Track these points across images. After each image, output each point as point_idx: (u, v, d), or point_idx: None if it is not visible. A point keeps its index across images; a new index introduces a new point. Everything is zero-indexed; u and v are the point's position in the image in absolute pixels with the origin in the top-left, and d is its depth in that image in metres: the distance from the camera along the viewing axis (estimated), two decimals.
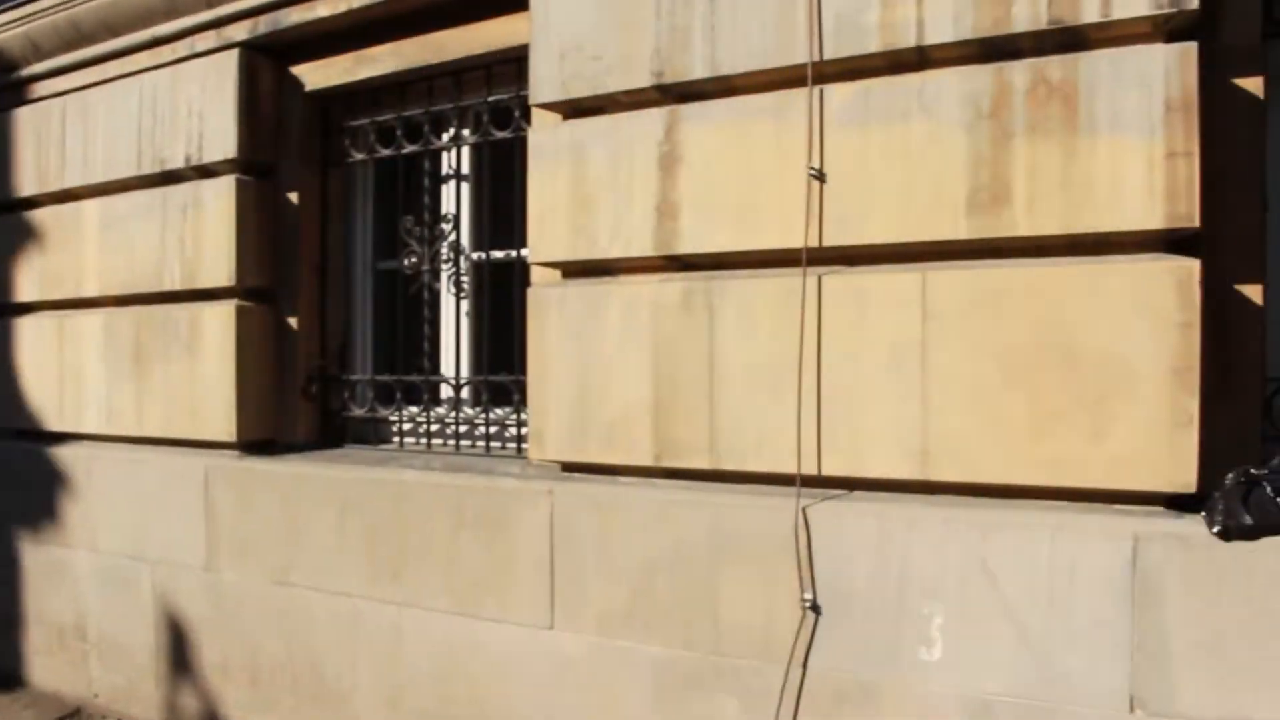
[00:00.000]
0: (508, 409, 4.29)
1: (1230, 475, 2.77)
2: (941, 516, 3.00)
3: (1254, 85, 2.95)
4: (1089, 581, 2.82)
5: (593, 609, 3.55)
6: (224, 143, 4.58)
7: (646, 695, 3.45)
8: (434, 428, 4.54)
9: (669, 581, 3.39)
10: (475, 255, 4.49)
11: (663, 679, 3.42)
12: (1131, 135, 2.83)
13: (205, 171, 4.68)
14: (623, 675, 3.50)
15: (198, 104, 4.66)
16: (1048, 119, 2.93)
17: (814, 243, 3.18)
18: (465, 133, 4.46)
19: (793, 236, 3.20)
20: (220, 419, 4.59)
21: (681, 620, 3.38)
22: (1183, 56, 2.80)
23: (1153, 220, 2.81)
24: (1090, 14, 2.88)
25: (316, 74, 4.65)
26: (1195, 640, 2.71)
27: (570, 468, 3.75)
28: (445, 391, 4.53)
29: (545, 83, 3.69)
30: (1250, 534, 2.66)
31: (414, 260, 4.54)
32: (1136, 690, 2.77)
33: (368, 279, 4.85)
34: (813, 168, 3.17)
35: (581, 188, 3.60)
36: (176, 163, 4.73)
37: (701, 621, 3.34)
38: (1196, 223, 2.78)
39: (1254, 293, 2.96)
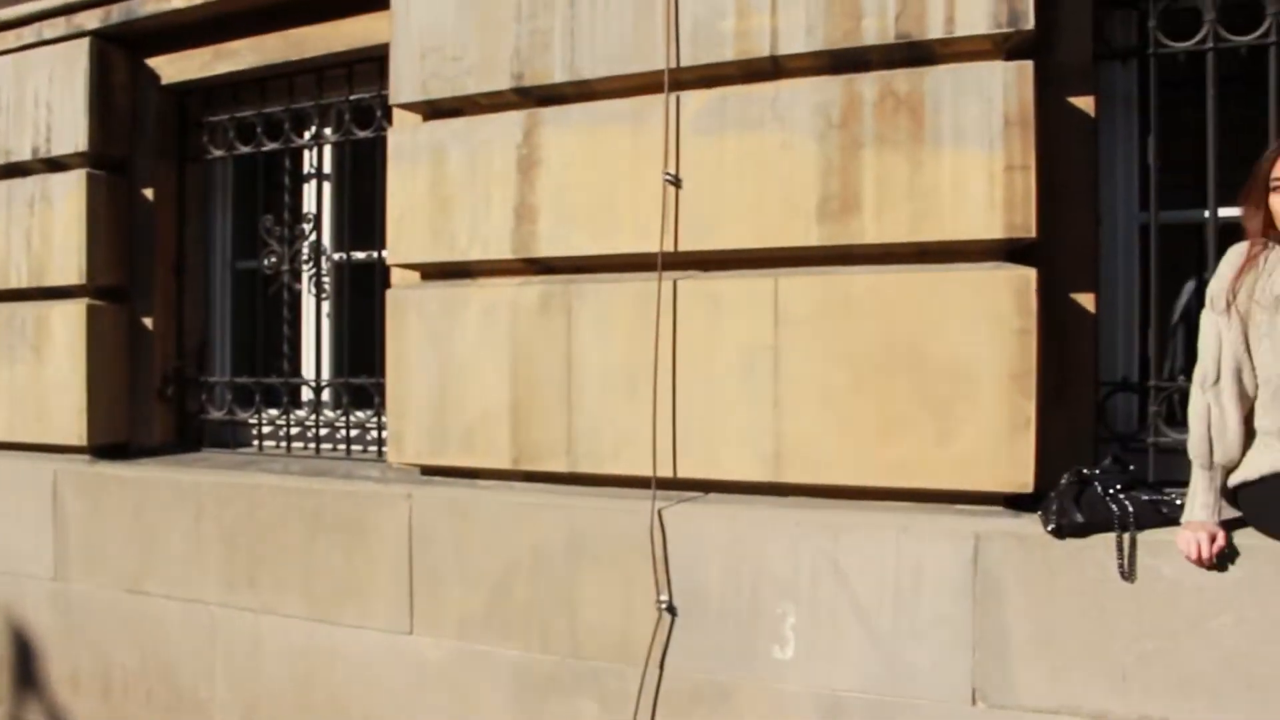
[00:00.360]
0: (369, 412, 4.24)
1: (1065, 475, 2.88)
2: (794, 518, 3.06)
3: (1086, 104, 3.08)
4: (934, 580, 2.90)
5: (452, 613, 3.53)
6: (74, 135, 4.43)
7: (506, 699, 3.45)
8: (294, 431, 4.46)
9: (528, 585, 3.39)
10: (336, 256, 4.42)
11: (522, 682, 3.42)
12: (973, 148, 2.93)
13: (54, 165, 4.51)
14: (482, 679, 3.49)
15: (45, 94, 4.50)
16: (895, 130, 3.00)
17: (670, 248, 3.22)
18: (327, 131, 4.39)
19: (649, 241, 3.23)
20: (69, 422, 4.44)
21: (540, 623, 3.38)
22: (1020, 74, 2.90)
23: (993, 230, 2.91)
24: (935, 30, 2.97)
25: (173, 67, 4.52)
26: (1032, 634, 2.81)
27: (430, 471, 3.72)
28: (306, 394, 4.45)
29: (405, 83, 3.66)
30: (1081, 531, 2.76)
31: (274, 260, 4.45)
32: (978, 683, 2.87)
33: (227, 278, 4.74)
34: (669, 173, 3.20)
35: (441, 189, 3.58)
36: (23, 155, 4.56)
37: (560, 624, 3.35)
38: (1033, 233, 2.89)
39: (1088, 301, 3.08)
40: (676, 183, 3.20)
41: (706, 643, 3.16)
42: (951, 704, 2.89)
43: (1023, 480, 2.90)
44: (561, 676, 3.35)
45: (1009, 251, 2.96)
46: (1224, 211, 2.97)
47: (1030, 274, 2.88)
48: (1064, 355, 3.08)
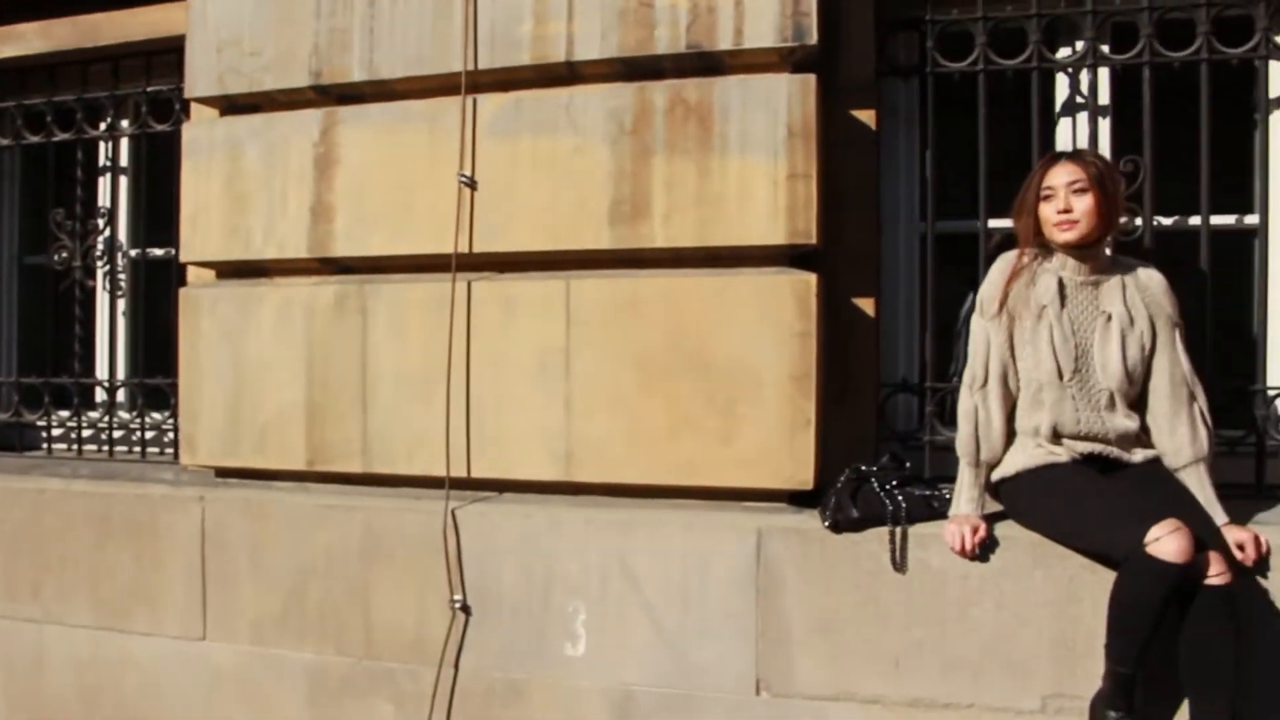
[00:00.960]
0: (165, 413, 4.11)
1: (844, 473, 3.00)
2: (584, 517, 3.10)
3: (868, 117, 3.22)
4: (719, 575, 2.98)
5: (246, 618, 3.46)
6: None
7: (301, 703, 3.40)
8: (87, 433, 4.30)
9: (323, 587, 3.35)
10: (133, 252, 4.28)
11: (317, 686, 3.37)
12: (758, 156, 3.03)
13: None
14: (277, 684, 3.43)
15: None
16: (685, 137, 3.08)
17: (465, 249, 3.23)
18: (124, 123, 4.25)
19: (444, 242, 3.23)
20: None
21: (335, 626, 3.34)
22: (804, 87, 3.02)
23: (776, 236, 3.01)
24: (725, 41, 3.06)
25: None
26: (811, 625, 2.92)
27: (224, 473, 3.64)
28: (100, 395, 4.29)
29: (201, 76, 3.58)
30: (857, 526, 2.88)
31: (65, 255, 4.28)
32: (762, 674, 2.96)
33: (13, 274, 4.52)
34: (464, 175, 3.21)
35: (236, 186, 3.51)
36: None
37: (355, 626, 3.32)
38: (815, 240, 3.00)
39: (869, 306, 3.22)
40: (472, 184, 3.21)
41: (500, 641, 3.17)
42: (737, 695, 2.98)
43: (804, 478, 3.01)
44: (357, 678, 3.32)
45: (792, 257, 3.07)
46: (995, 223, 3.12)
47: (811, 279, 2.99)
48: (846, 357, 3.21)
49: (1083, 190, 2.73)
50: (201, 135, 3.59)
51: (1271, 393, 3.18)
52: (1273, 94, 3.24)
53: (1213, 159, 3.18)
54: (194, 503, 3.52)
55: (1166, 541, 2.39)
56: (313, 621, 3.36)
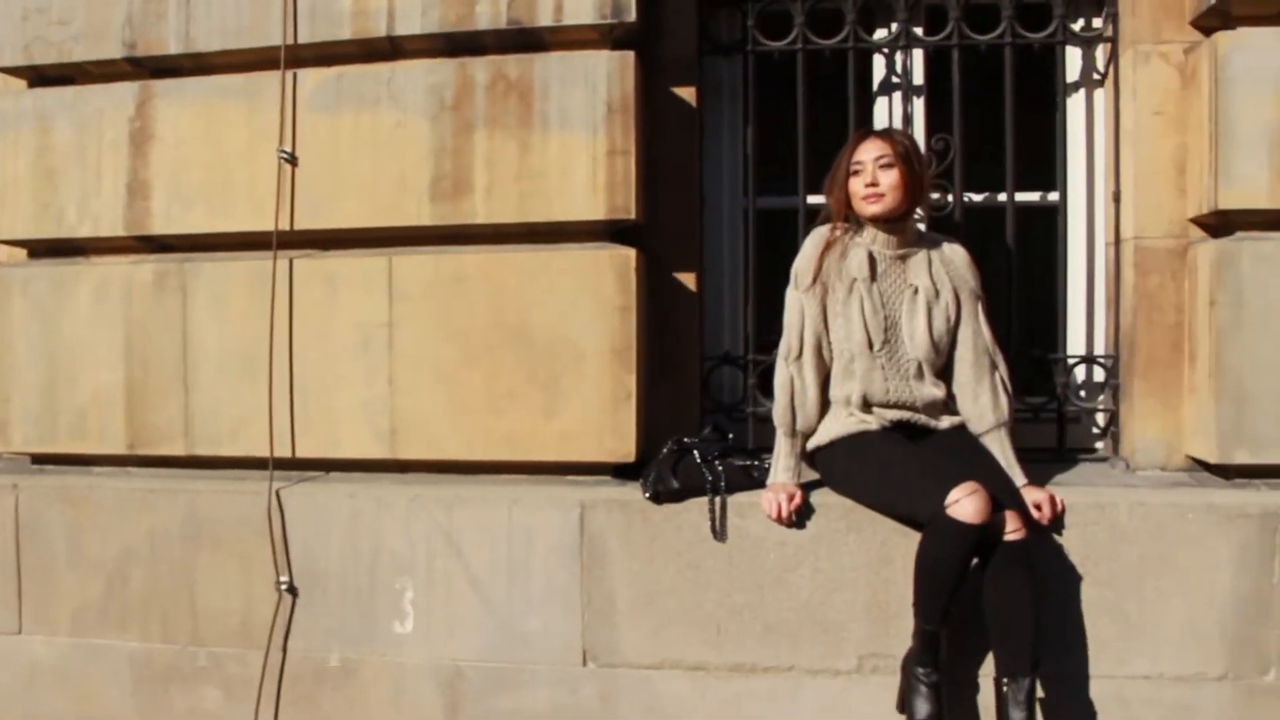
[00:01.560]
0: None
1: (667, 445, 3.05)
2: (409, 494, 3.09)
3: (690, 94, 3.28)
4: (544, 549, 3.01)
5: (66, 608, 3.36)
6: None
7: (126, 693, 3.31)
8: None
9: (146, 573, 3.27)
10: None
11: (142, 674, 3.29)
12: (579, 132, 3.05)
13: None
14: (100, 675, 3.33)
15: None
16: (506, 113, 3.09)
17: (286, 226, 3.19)
18: None
19: (265, 219, 3.19)
20: None
21: (159, 612, 3.27)
22: (623, 64, 3.05)
23: (596, 211, 3.04)
24: (545, 18, 3.07)
25: None
26: (636, 595, 2.97)
27: (40, 459, 3.53)
28: None
29: (6, 45, 3.43)
30: (678, 496, 2.94)
31: None
32: (588, 645, 3.00)
33: None
34: (284, 150, 3.16)
35: (47, 161, 3.39)
36: None
37: (180, 612, 3.25)
38: (634, 215, 3.04)
39: (691, 280, 3.28)
40: (293, 160, 3.17)
41: (328, 622, 3.15)
42: (564, 667, 3.01)
43: (626, 450, 3.06)
44: (182, 665, 3.25)
45: (613, 232, 3.11)
46: (815, 199, 3.20)
47: (631, 254, 3.04)
48: (669, 331, 3.26)
49: (889, 165, 2.82)
50: (8, 107, 3.45)
51: (1071, 361, 3.34)
52: (1070, 78, 3.38)
53: (1019, 139, 3.32)
54: (7, 492, 3.39)
55: (965, 504, 2.49)
56: (136, 609, 3.28)
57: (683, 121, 3.26)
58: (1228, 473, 3.02)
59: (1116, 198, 3.26)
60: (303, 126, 3.19)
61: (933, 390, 2.88)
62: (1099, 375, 3.36)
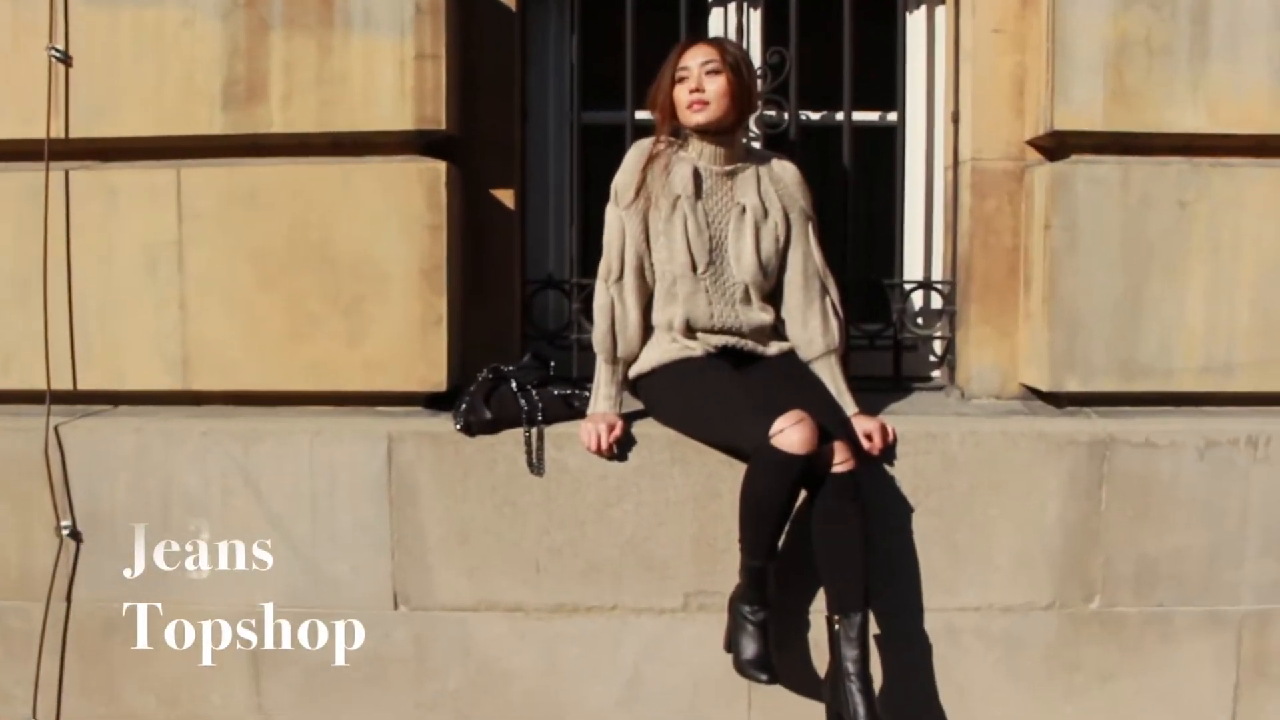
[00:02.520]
0: None
1: (482, 373, 2.86)
2: (201, 429, 2.84)
3: None
4: (350, 485, 2.80)
5: None
6: None
7: None
8: None
9: None
10: None
11: None
12: (385, 34, 2.81)
13: None
14: None
15: None
16: (305, 13, 2.82)
17: (60, 134, 2.87)
18: None
19: (36, 126, 2.86)
20: None
21: None
22: None
23: (403, 121, 2.81)
24: None
25: None
26: (449, 533, 2.78)
27: None
28: None
29: None
30: (491, 428, 2.75)
31: None
32: (399, 587, 2.80)
33: None
34: (55, 48, 2.84)
35: None
36: None
37: None
38: (445, 125, 2.82)
39: (509, 198, 3.07)
40: (65, 59, 2.85)
41: (117, 568, 2.88)
42: (374, 610, 2.82)
43: (437, 379, 2.86)
44: None
45: (425, 145, 2.88)
46: (645, 115, 3.01)
47: (441, 167, 2.82)
48: (487, 252, 3.06)
49: (716, 72, 2.65)
50: None
51: (908, 287, 3.23)
52: None
53: (857, 55, 3.18)
54: None
55: (789, 433, 2.35)
56: None
57: (502, 26, 3.04)
58: (1059, 401, 2.96)
59: (955, 118, 3.16)
60: (77, 22, 2.86)
61: (760, 315, 2.74)
62: (936, 302, 3.27)
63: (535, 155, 3.22)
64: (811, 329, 2.74)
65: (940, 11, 3.27)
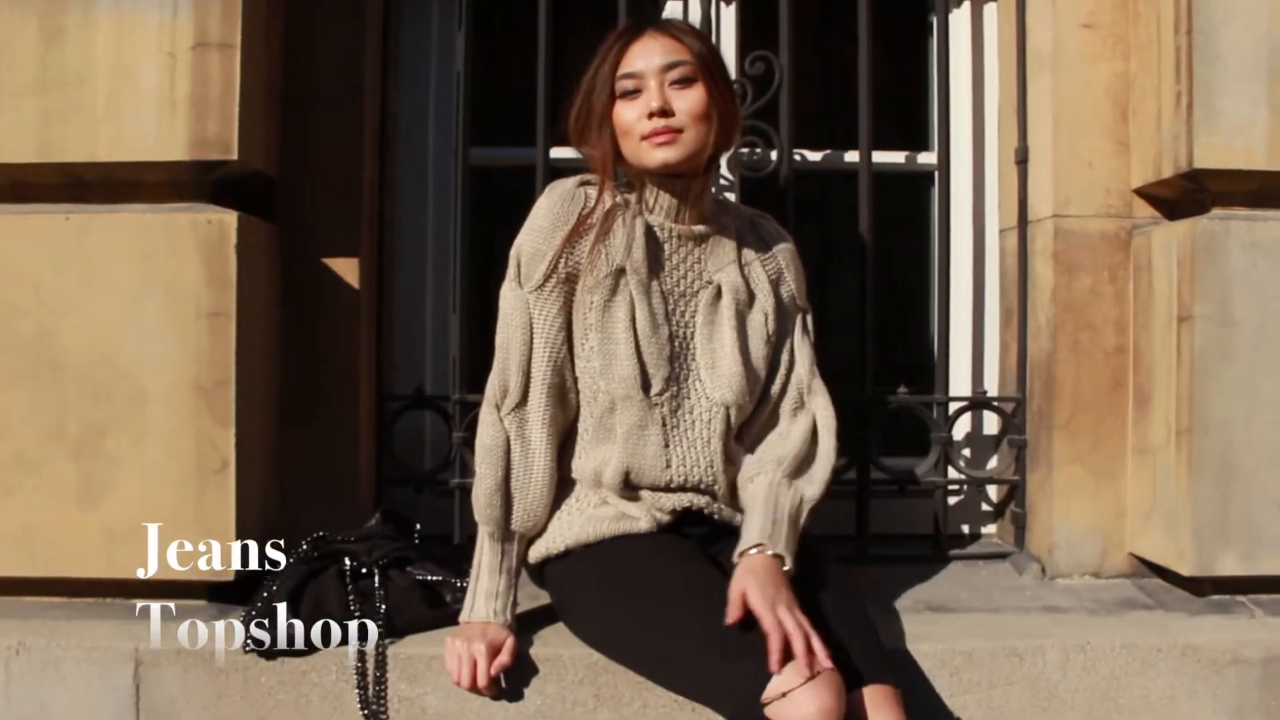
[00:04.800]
0: None
1: (299, 547, 1.81)
2: None
3: None
4: None
5: None
6: None
7: None
8: None
9: None
10: None
11: None
12: (145, 11, 1.78)
13: None
14: None
15: None
16: None
17: None
18: None
19: None
20: None
21: None
22: None
23: (172, 147, 1.79)
24: None
25: None
26: None
27: None
28: None
29: None
30: (305, 647, 1.66)
31: None
32: None
33: None
34: None
35: None
36: None
37: None
38: (236, 153, 1.77)
39: (352, 270, 2.02)
40: None
41: None
42: None
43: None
44: None
45: (212, 184, 1.82)
46: (562, 152, 1.98)
47: (231, 221, 1.76)
48: (319, 353, 1.99)
49: (687, 80, 1.62)
50: None
51: (954, 406, 2.20)
52: None
53: (878, 72, 2.18)
54: None
55: (801, 701, 1.30)
56: None
57: (352, 9, 1.99)
58: (1203, 587, 1.91)
59: (1021, 158, 2.14)
60: None
61: (743, 459, 1.69)
62: (991, 424, 2.23)
63: (404, 206, 2.18)
64: (775, 453, 1.70)
65: (990, 10, 2.29)
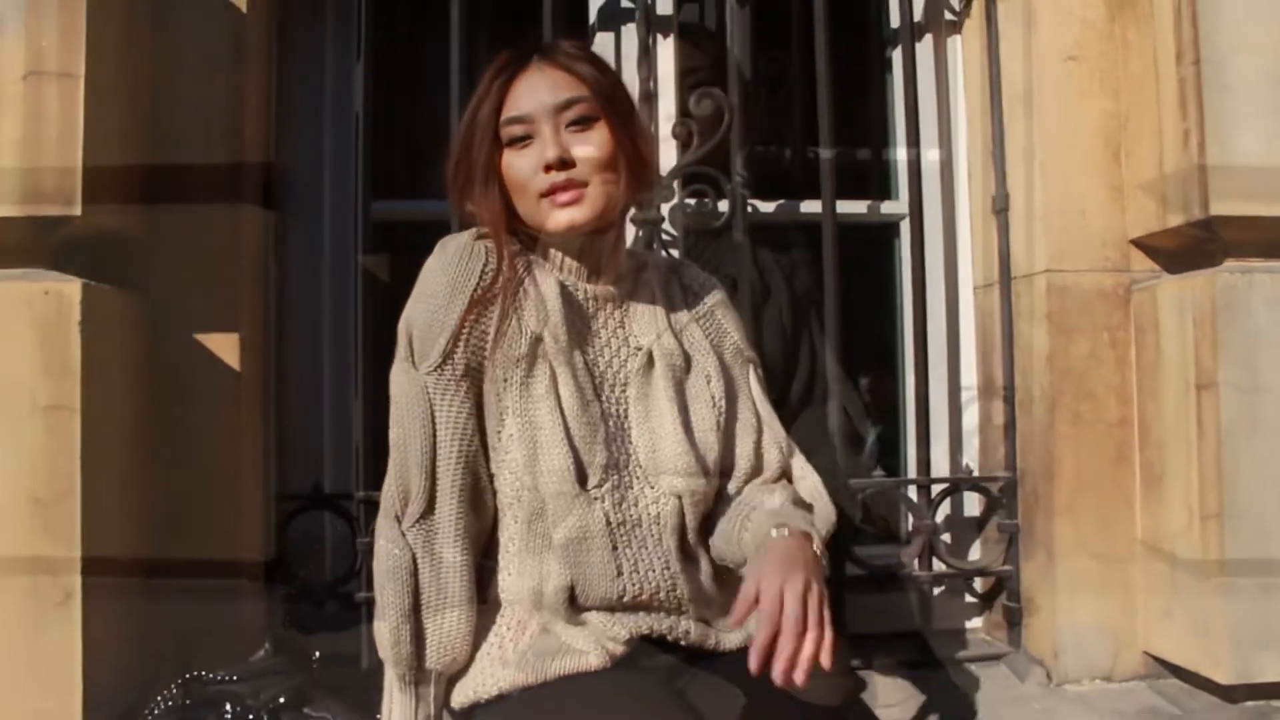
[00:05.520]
0: None
1: (164, 693, 1.42)
2: None
3: None
4: None
5: None
6: None
7: None
8: None
9: None
10: None
11: None
12: None
13: None
14: None
15: None
16: None
17: None
18: None
19: None
20: None
21: None
22: None
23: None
24: None
25: None
26: None
27: None
28: None
29: None
30: None
31: None
32: None
33: None
34: None
35: None
36: None
37: None
38: (79, 208, 1.44)
39: (232, 348, 1.69)
40: None
41: None
42: None
43: (63, 711, 1.41)
44: None
45: (51, 246, 1.48)
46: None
47: (74, 291, 1.42)
48: (185, 448, 1.64)
49: (587, 120, 1.30)
50: None
51: (936, 489, 1.93)
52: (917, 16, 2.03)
53: (839, 105, 1.92)
54: None
55: None
56: None
57: (223, 35, 1.69)
58: (1235, 692, 1.65)
59: (1001, 207, 1.90)
60: None
61: (706, 563, 1.38)
62: (973, 506, 1.97)
63: (295, 271, 1.86)
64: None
65: (955, 42, 2.06)
